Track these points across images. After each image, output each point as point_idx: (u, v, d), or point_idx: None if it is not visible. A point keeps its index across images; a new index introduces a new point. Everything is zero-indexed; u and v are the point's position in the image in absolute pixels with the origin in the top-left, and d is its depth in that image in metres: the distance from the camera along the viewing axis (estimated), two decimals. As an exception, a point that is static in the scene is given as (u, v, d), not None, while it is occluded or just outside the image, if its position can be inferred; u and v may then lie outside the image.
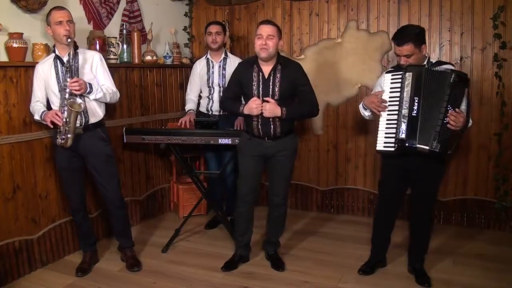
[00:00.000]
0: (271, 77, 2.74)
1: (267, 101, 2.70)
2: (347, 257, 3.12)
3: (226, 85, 3.57)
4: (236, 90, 2.88)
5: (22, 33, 2.79)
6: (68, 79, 2.61)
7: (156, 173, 4.04)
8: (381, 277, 2.83)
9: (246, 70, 2.81)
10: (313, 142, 4.10)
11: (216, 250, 3.29)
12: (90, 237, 3.05)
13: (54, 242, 3.09)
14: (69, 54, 2.64)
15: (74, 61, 2.70)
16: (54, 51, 2.74)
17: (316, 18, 3.99)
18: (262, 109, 2.69)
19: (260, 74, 2.76)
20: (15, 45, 2.75)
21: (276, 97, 2.73)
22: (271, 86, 2.74)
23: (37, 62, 2.85)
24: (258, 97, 2.74)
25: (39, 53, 2.90)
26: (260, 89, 2.75)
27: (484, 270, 2.88)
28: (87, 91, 2.68)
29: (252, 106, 2.70)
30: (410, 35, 2.46)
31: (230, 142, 3.29)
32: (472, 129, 3.51)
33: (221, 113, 3.63)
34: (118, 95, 2.92)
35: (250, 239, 3.07)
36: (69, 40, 2.62)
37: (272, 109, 2.68)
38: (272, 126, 2.75)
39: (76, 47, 2.77)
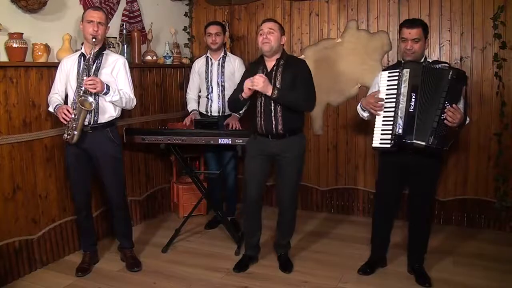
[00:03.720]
0: (273, 72, 2.76)
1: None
2: (347, 257, 3.12)
3: (225, 84, 3.60)
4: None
5: (22, 33, 2.79)
6: (85, 77, 2.65)
7: (156, 173, 4.04)
8: (381, 277, 2.83)
9: (253, 68, 2.85)
10: (313, 142, 4.10)
11: (216, 250, 3.29)
12: (92, 236, 3.06)
13: (54, 242, 3.08)
14: (91, 53, 2.69)
15: (97, 61, 2.75)
16: (81, 48, 2.82)
17: (316, 18, 3.99)
18: (253, 81, 2.63)
19: (264, 69, 2.79)
20: (15, 45, 2.75)
21: None
22: (273, 80, 2.74)
23: (38, 62, 2.88)
24: None
25: (39, 53, 2.90)
26: None
27: (484, 270, 2.88)
28: (104, 92, 2.70)
29: (246, 81, 2.67)
30: (421, 21, 2.60)
31: (230, 142, 3.29)
32: (472, 129, 3.52)
33: (220, 114, 3.62)
34: (135, 102, 2.94)
35: (259, 240, 3.06)
36: (94, 40, 2.67)
37: (261, 82, 2.61)
38: (273, 122, 2.74)
39: (103, 48, 2.83)
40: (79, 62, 2.77)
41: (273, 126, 2.75)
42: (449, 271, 2.88)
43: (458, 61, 3.51)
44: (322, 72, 3.95)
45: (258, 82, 2.63)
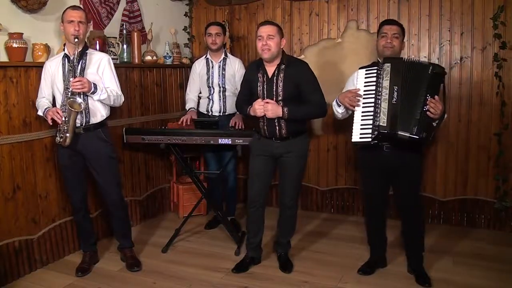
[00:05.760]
0: (275, 77, 2.73)
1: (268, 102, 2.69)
2: (347, 257, 3.12)
3: (226, 85, 3.60)
4: (247, 90, 2.89)
5: (22, 33, 2.79)
6: (71, 79, 2.63)
7: (156, 173, 4.04)
8: (381, 277, 2.83)
9: (253, 71, 2.83)
10: (313, 142, 4.09)
11: (216, 250, 3.29)
12: (91, 236, 3.06)
13: (54, 242, 3.09)
14: (75, 54, 2.66)
15: (81, 62, 2.72)
16: (64, 49, 2.78)
17: (316, 18, 3.99)
18: (264, 110, 2.68)
19: (265, 75, 2.76)
20: (15, 45, 2.75)
21: (280, 98, 2.71)
22: (274, 87, 2.72)
23: (38, 62, 2.87)
24: (262, 97, 2.74)
25: (39, 53, 2.91)
26: (264, 89, 2.75)
27: (484, 270, 2.88)
28: (91, 91, 2.69)
29: (255, 107, 2.71)
30: (399, 23, 2.70)
31: (230, 142, 3.29)
32: (472, 129, 3.53)
33: (221, 114, 3.63)
34: (123, 99, 2.93)
35: (261, 240, 3.05)
36: (76, 40, 2.64)
37: (273, 109, 2.66)
38: (277, 127, 2.74)
39: (85, 48, 2.80)
40: (63, 64, 2.73)
41: (277, 131, 2.75)
42: (449, 271, 2.88)
43: (458, 61, 3.51)
44: (322, 72, 3.94)
45: (268, 109, 2.66)
